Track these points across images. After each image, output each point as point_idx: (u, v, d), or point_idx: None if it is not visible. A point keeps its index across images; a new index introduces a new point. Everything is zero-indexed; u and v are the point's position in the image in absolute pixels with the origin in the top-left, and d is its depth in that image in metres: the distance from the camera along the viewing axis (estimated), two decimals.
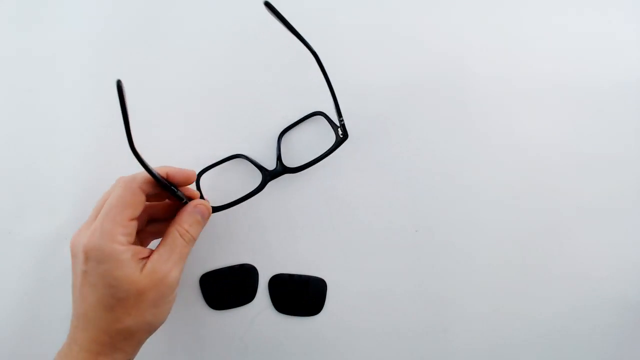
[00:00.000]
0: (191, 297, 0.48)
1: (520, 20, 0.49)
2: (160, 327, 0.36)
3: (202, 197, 0.42)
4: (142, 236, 0.40)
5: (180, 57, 0.49)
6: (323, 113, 0.47)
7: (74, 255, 0.34)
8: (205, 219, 0.38)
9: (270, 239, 0.48)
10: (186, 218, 0.36)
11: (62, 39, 0.49)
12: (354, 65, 0.49)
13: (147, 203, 0.36)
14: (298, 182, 0.48)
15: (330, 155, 0.44)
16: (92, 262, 0.32)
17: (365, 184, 0.48)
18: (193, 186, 0.43)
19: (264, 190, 0.44)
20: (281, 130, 0.47)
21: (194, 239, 0.37)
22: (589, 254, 0.49)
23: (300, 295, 0.48)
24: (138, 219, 0.35)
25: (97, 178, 0.48)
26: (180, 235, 0.35)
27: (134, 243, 0.35)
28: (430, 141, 0.49)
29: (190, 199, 0.39)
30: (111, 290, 0.32)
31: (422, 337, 0.48)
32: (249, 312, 0.48)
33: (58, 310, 0.46)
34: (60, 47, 0.49)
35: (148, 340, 0.36)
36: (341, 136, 0.44)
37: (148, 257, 0.34)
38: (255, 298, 0.48)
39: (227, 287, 0.47)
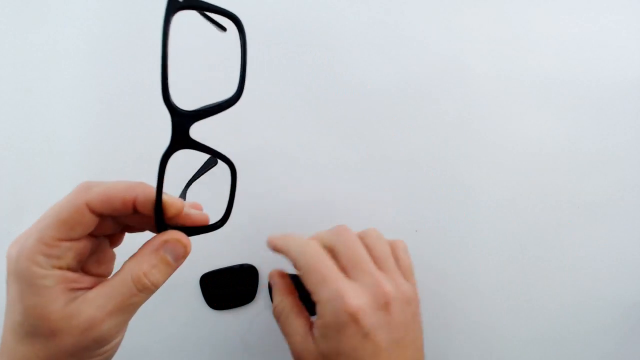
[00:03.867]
0: (191, 297, 0.48)
1: (520, 20, 0.49)
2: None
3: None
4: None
5: (181, 57, 0.49)
6: None
7: None
8: (179, 259, 0.27)
9: None
10: (149, 256, 0.26)
11: (62, 39, 0.49)
12: (355, 65, 0.49)
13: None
14: (298, 181, 0.48)
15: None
16: (10, 275, 0.25)
17: (366, 183, 0.48)
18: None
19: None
20: None
21: (153, 287, 0.26)
22: (589, 254, 0.49)
23: (300, 295, 0.48)
24: (88, 238, 0.26)
25: (97, 178, 0.47)
26: (133, 279, 0.25)
27: (84, 267, 0.27)
28: (431, 141, 0.49)
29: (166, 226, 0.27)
30: (20, 318, 0.24)
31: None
32: (249, 312, 0.48)
33: None
34: (60, 47, 0.49)
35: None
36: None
37: (89, 289, 0.25)
38: (255, 298, 0.48)
39: (227, 287, 0.47)
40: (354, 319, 0.29)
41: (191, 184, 0.43)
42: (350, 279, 0.31)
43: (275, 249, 0.36)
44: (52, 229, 0.24)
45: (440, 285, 0.48)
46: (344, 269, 0.32)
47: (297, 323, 0.34)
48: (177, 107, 0.25)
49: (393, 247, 0.37)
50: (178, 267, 0.27)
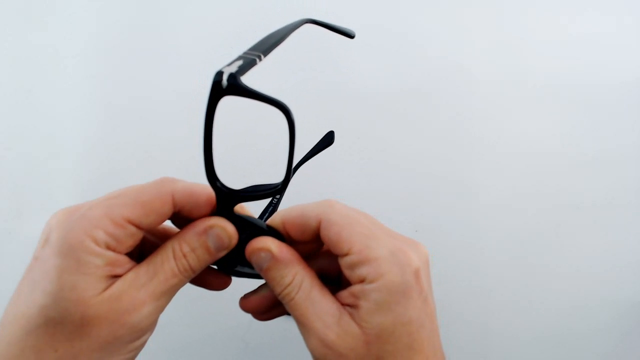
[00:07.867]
0: (192, 295, 0.48)
1: (521, 22, 0.49)
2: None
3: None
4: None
5: (181, 57, 0.49)
6: None
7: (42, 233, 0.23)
8: (219, 248, 0.24)
9: None
10: (191, 237, 0.24)
11: (62, 40, 0.49)
12: (355, 66, 0.49)
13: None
14: (297, 181, 0.48)
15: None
16: (49, 247, 0.22)
17: (366, 184, 0.48)
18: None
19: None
20: None
21: (191, 270, 0.24)
22: (589, 254, 0.49)
23: None
24: (144, 225, 0.23)
25: (97, 178, 0.48)
26: (174, 256, 0.23)
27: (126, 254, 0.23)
28: (431, 141, 0.49)
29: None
30: (46, 300, 0.21)
31: None
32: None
33: None
34: (61, 48, 0.49)
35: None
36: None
37: (122, 275, 0.22)
38: None
39: None
40: (417, 278, 0.24)
41: (303, 163, 0.39)
42: None
43: (293, 224, 0.25)
44: (125, 208, 0.22)
45: (440, 285, 0.48)
46: None
47: (325, 302, 0.24)
48: (223, 186, 0.23)
49: None
50: (217, 258, 0.24)
